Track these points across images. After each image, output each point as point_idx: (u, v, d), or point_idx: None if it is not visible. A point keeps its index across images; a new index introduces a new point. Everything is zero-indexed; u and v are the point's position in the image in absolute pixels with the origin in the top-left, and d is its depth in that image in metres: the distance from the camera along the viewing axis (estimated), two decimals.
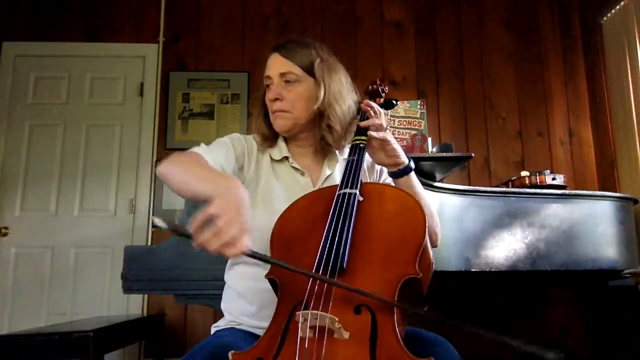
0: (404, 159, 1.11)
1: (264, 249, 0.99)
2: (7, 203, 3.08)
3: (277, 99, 1.16)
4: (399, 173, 1.12)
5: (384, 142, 1.09)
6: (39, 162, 3.14)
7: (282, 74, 1.17)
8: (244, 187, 0.89)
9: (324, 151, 1.24)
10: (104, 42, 3.28)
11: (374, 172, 1.26)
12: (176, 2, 3.37)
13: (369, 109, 1.16)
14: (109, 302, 2.99)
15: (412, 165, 1.13)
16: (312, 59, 1.18)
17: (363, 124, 1.11)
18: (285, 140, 1.24)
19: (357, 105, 1.24)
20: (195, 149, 1.13)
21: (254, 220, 1.14)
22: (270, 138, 1.23)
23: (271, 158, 1.22)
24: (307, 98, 1.17)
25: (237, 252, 0.77)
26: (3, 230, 3.03)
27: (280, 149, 1.23)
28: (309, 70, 1.18)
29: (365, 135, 1.11)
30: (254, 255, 0.82)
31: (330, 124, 1.18)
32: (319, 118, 1.19)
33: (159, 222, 0.79)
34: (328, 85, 1.18)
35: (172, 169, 1.02)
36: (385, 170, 1.21)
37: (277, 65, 1.18)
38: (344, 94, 1.21)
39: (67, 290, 3.00)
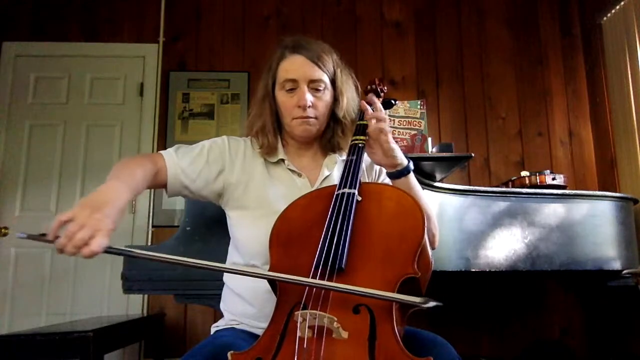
0: (402, 160, 1.11)
1: (263, 250, 1.00)
2: (7, 203, 3.08)
3: (309, 106, 1.15)
4: (397, 174, 1.12)
5: (382, 136, 1.08)
6: (39, 162, 3.14)
7: (313, 81, 1.16)
8: (119, 193, 0.93)
9: (324, 152, 1.25)
10: (104, 42, 3.28)
11: (373, 172, 1.26)
12: (176, 2, 3.37)
13: (368, 107, 1.15)
14: (109, 302, 2.99)
15: (411, 166, 1.13)
16: (335, 67, 1.20)
17: (367, 117, 1.11)
18: (282, 142, 1.24)
19: (357, 105, 1.24)
20: (164, 151, 1.16)
21: (249, 222, 1.15)
22: (275, 148, 1.21)
23: (265, 160, 1.21)
24: (329, 106, 1.20)
25: (91, 252, 0.80)
26: (3, 230, 3.03)
27: (277, 151, 1.22)
28: (332, 79, 1.19)
29: (364, 135, 1.11)
30: (113, 251, 0.84)
31: (345, 130, 1.22)
32: (334, 123, 1.22)
33: (19, 234, 0.82)
34: (347, 95, 1.21)
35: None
36: (384, 170, 1.21)
37: (307, 70, 1.15)
38: (354, 99, 1.24)
39: (67, 290, 3.00)
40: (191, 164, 1.15)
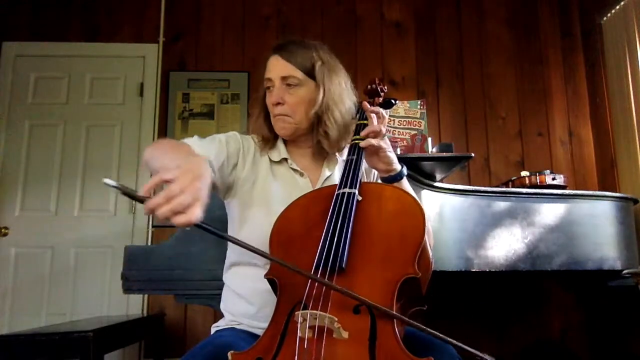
0: (396, 166, 1.12)
1: (263, 249, 0.99)
2: (7, 203, 3.08)
3: (278, 103, 1.16)
4: (390, 179, 1.12)
5: (379, 149, 1.09)
6: (39, 162, 3.14)
7: (284, 78, 1.16)
8: (208, 168, 0.87)
9: (323, 152, 1.24)
10: (104, 42, 3.28)
11: (372, 173, 1.26)
12: (176, 2, 3.37)
13: (371, 112, 1.13)
14: (109, 302, 2.99)
15: (405, 172, 1.13)
16: (313, 61, 1.17)
17: (363, 133, 1.10)
18: (285, 141, 1.24)
19: (357, 106, 1.23)
20: (187, 140, 1.11)
21: (251, 221, 1.14)
22: (270, 140, 1.23)
23: (270, 159, 1.22)
24: (308, 102, 1.17)
25: (186, 220, 0.72)
26: (3, 230, 3.03)
27: (279, 151, 1.22)
28: (310, 73, 1.17)
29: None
30: (205, 227, 0.77)
31: (327, 130, 1.17)
32: (317, 122, 1.18)
33: (109, 181, 0.73)
34: (328, 89, 1.17)
35: (154, 153, 0.97)
36: None
37: (278, 68, 1.17)
38: (343, 97, 1.20)
39: (67, 290, 3.00)
40: (216, 155, 1.13)
